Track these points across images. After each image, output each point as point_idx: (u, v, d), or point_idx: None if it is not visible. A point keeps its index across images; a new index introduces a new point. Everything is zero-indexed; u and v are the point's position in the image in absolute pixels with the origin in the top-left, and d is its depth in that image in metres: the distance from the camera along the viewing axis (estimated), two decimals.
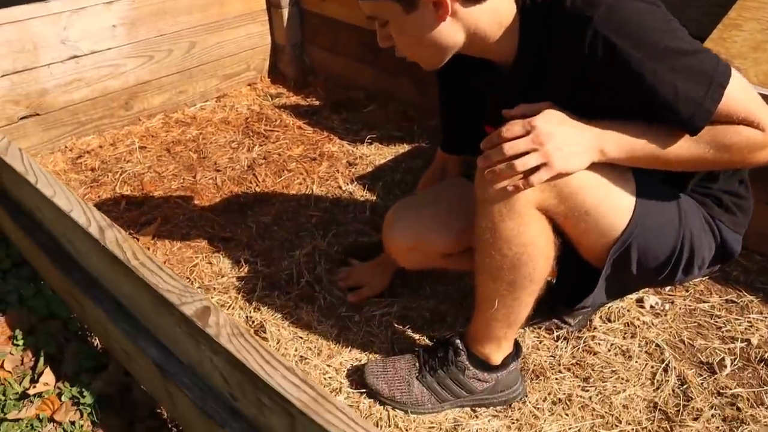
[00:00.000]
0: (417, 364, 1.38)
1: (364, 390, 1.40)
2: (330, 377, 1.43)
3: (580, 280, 1.27)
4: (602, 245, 1.13)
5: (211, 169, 2.12)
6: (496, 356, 1.32)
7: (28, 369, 1.41)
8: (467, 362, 1.32)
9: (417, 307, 1.60)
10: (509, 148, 0.99)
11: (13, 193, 1.54)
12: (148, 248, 1.77)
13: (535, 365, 1.46)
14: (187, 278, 1.67)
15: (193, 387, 1.07)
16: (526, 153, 0.99)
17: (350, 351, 1.49)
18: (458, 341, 1.33)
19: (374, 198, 2.00)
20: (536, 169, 0.99)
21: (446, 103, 1.51)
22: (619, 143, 1.01)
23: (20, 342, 1.46)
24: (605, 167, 1.04)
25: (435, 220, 1.31)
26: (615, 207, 1.09)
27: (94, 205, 1.91)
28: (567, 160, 1.00)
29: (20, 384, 1.37)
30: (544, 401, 1.39)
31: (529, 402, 1.38)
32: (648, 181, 1.10)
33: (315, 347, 1.50)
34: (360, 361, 1.48)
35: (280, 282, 1.65)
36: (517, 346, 1.35)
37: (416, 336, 1.54)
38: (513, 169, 0.99)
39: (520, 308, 1.20)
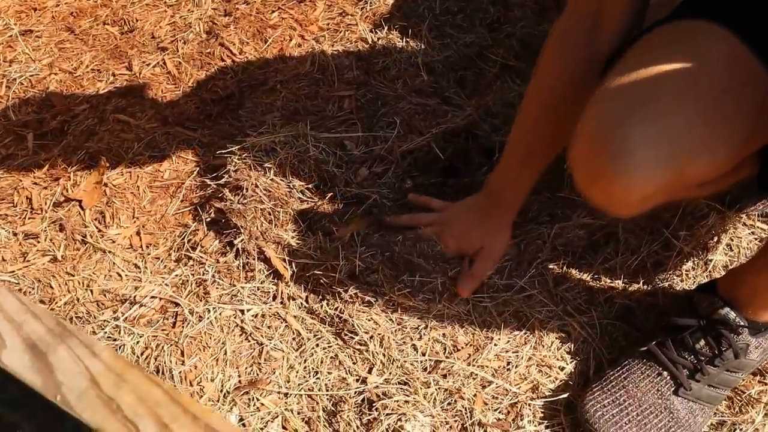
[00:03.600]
0: (665, 372, 0.82)
1: None
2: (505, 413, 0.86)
3: None
4: None
5: (151, 50, 1.33)
6: None
7: None
8: (750, 338, 0.78)
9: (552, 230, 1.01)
10: None
11: None
12: (101, 214, 1.07)
13: None
14: (188, 257, 1.00)
15: None
16: None
17: (513, 339, 0.92)
18: (733, 315, 0.77)
19: (422, 45, 1.29)
20: None
21: None
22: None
23: None
24: None
25: (699, 132, 0.65)
26: None
27: None
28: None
29: None
30: None
31: None
32: None
33: (444, 336, 0.91)
34: (533, 371, 0.91)
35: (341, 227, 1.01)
36: None
37: (596, 291, 0.96)
38: None
39: None
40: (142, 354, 0.90)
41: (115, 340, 0.92)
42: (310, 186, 1.04)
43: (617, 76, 0.70)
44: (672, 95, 0.65)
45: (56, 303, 0.96)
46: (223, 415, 0.85)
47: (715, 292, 0.81)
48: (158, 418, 0.40)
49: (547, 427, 0.85)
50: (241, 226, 0.98)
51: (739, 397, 0.87)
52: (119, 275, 0.99)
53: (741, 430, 0.85)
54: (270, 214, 0.99)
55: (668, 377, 0.82)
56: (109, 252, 1.02)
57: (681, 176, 0.67)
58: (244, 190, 1.00)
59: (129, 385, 0.41)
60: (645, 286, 0.96)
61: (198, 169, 1.12)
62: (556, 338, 0.92)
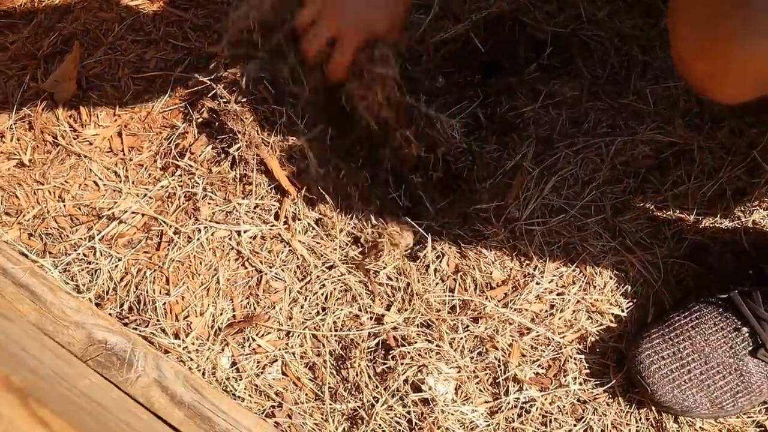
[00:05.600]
0: (744, 328, 0.67)
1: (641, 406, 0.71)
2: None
3: None
4: None
5: None
6: None
7: None
8: None
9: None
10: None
11: None
12: (76, 111, 0.91)
13: None
14: (175, 165, 0.85)
15: None
16: None
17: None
18: None
19: None
20: None
21: None
22: None
23: None
24: None
25: None
26: None
27: None
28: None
29: None
30: None
31: None
32: None
33: (477, 270, 0.76)
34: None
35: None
36: None
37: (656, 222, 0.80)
38: None
39: None
40: (121, 280, 0.77)
41: (89, 263, 0.79)
42: None
43: None
44: None
45: (23, 216, 0.82)
46: (213, 357, 0.73)
47: None
48: None
49: (594, 386, 0.71)
50: (238, 131, 0.81)
51: None
52: (96, 184, 0.85)
53: None
54: (273, 116, 0.83)
55: (747, 334, 0.68)
56: (85, 156, 0.87)
57: None
58: (242, 86, 0.82)
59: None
60: (723, 219, 0.79)
61: (189, 58, 0.94)
62: (611, 278, 0.76)
